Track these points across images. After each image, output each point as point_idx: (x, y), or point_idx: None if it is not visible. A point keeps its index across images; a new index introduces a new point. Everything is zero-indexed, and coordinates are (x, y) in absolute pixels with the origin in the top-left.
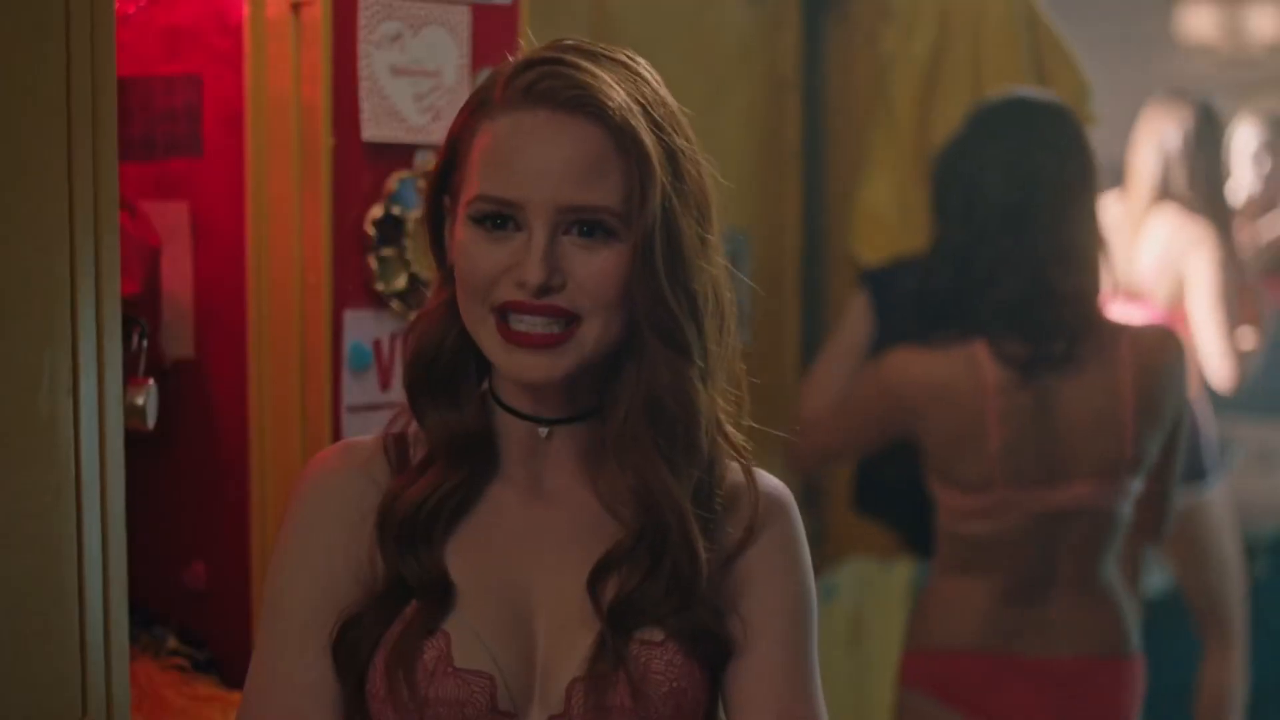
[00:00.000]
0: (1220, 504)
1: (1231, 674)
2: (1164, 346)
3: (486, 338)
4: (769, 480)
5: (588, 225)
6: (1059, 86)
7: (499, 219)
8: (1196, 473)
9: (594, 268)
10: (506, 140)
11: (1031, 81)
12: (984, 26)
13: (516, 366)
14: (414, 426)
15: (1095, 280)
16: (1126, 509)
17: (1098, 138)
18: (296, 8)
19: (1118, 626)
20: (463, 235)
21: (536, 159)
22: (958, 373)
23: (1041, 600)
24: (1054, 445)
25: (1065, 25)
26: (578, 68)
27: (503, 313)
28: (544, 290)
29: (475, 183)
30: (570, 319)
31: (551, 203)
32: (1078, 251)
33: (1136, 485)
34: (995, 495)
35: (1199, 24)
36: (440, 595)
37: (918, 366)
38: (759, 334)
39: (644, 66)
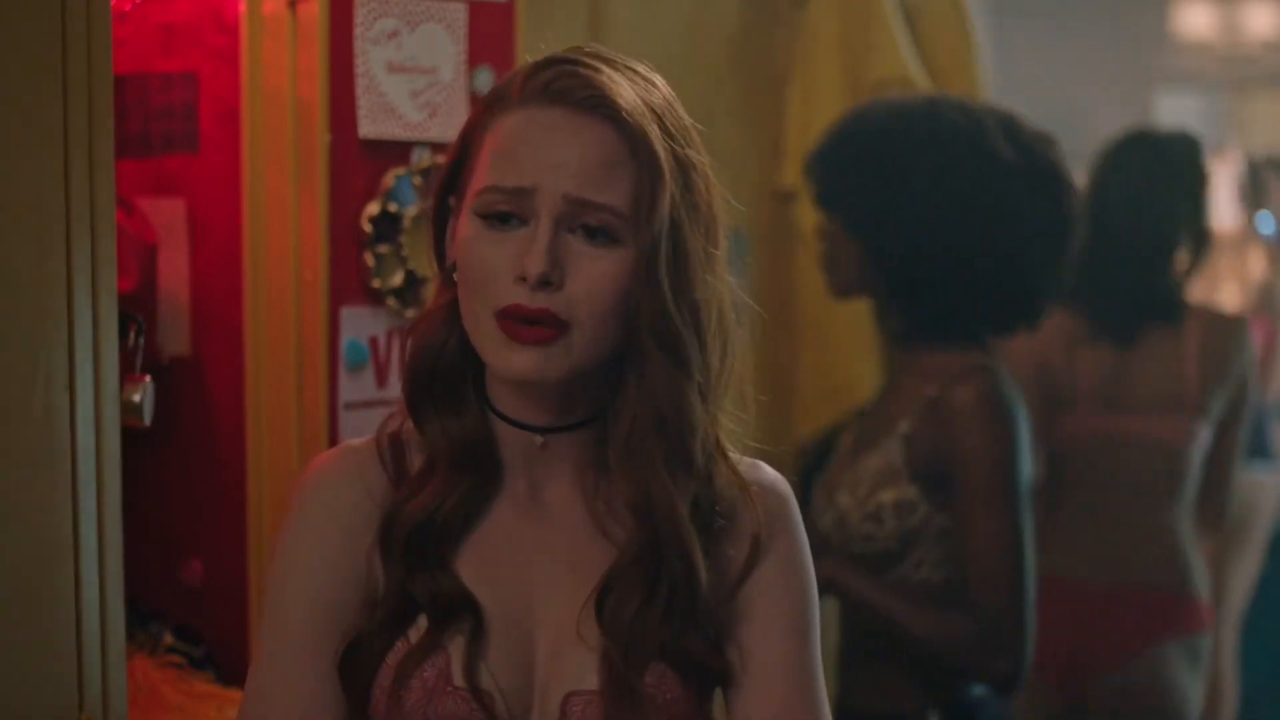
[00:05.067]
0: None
1: None
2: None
3: (483, 337)
4: (767, 475)
5: (591, 229)
6: (940, 52)
7: (504, 216)
8: (1260, 451)
9: (594, 272)
10: (519, 134)
11: (907, 51)
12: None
13: (509, 364)
14: (408, 426)
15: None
16: None
17: (1094, 132)
18: (293, 4)
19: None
20: (466, 230)
21: (548, 151)
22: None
23: None
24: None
25: (1062, 21)
26: (595, 70)
27: (501, 319)
28: (543, 283)
29: (484, 175)
30: (561, 324)
31: (560, 193)
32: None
33: None
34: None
35: (1195, 20)
36: (453, 614)
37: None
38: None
39: (659, 79)
